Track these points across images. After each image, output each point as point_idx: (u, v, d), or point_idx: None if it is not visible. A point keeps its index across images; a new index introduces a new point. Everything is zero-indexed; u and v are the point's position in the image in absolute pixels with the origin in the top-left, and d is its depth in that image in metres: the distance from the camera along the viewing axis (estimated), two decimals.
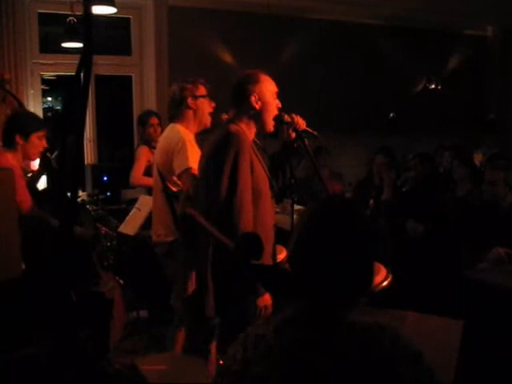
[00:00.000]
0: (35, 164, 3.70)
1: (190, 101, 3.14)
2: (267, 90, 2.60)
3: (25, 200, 2.93)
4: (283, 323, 1.30)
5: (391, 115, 6.81)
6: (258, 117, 2.60)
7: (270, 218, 2.62)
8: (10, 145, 3.06)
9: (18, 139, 3.05)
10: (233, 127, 2.54)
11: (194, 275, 3.04)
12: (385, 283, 2.34)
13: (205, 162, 2.60)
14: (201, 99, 3.16)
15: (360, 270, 1.29)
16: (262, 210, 2.54)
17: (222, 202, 2.41)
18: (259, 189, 2.53)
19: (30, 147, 3.09)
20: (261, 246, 2.05)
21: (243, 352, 1.30)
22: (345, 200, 1.47)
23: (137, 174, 4.38)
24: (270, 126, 2.64)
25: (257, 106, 2.57)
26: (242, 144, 2.47)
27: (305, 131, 2.76)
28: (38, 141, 3.12)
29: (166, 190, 2.92)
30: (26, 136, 3.07)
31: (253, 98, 2.56)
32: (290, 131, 2.79)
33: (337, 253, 1.27)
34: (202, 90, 3.19)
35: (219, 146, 2.49)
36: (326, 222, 1.32)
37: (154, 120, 4.64)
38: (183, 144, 3.02)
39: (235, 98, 2.62)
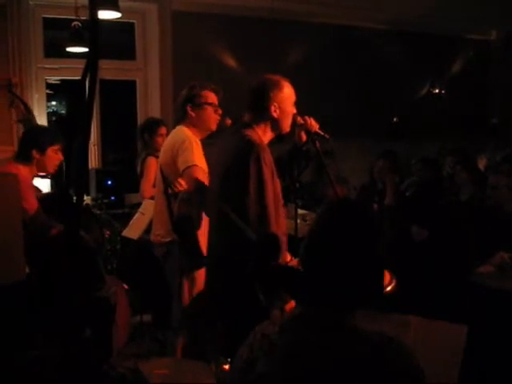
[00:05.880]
0: None
1: (189, 109, 3.14)
2: (287, 98, 2.56)
3: (31, 207, 2.93)
4: (288, 323, 1.31)
5: (395, 120, 6.81)
6: (275, 123, 2.56)
7: (284, 224, 2.60)
8: (26, 159, 3.11)
9: (35, 154, 3.10)
10: (250, 134, 2.47)
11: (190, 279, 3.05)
12: (389, 288, 2.33)
13: (224, 171, 2.50)
14: (203, 107, 3.16)
15: (369, 276, 1.30)
16: (281, 218, 2.52)
17: (252, 215, 2.35)
18: (277, 194, 2.50)
19: (46, 161, 3.15)
20: (279, 248, 2.06)
21: (249, 351, 1.31)
22: (354, 204, 1.46)
23: (147, 186, 4.28)
24: (287, 129, 2.61)
25: (275, 115, 2.53)
26: (264, 153, 2.41)
27: (316, 133, 2.73)
28: (54, 154, 3.17)
29: (166, 190, 2.92)
30: (43, 150, 3.12)
31: (272, 108, 2.52)
32: (302, 133, 2.77)
33: (347, 257, 1.28)
34: (209, 97, 3.17)
35: (241, 156, 2.41)
36: (336, 226, 1.33)
37: (163, 130, 4.58)
38: (189, 142, 3.01)
39: (253, 104, 2.56)
